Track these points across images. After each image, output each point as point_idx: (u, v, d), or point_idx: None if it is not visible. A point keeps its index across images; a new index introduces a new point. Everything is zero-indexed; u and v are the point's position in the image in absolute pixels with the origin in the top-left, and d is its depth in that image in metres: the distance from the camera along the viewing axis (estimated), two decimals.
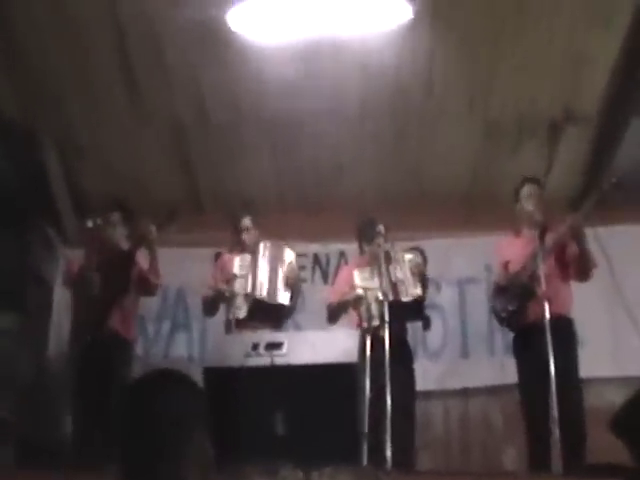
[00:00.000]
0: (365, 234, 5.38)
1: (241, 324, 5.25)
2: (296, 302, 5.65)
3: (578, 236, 4.77)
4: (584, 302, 5.27)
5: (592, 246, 4.90)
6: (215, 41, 5.75)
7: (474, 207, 6.75)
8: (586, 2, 5.56)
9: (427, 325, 5.45)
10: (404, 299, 5.06)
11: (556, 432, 4.21)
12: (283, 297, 5.40)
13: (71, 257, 5.53)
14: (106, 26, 5.73)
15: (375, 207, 6.11)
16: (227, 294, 5.35)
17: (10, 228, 6.48)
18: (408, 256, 5.28)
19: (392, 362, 4.44)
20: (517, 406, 5.14)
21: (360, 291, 5.12)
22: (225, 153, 6.69)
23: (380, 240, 5.13)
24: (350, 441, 4.08)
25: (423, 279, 5.27)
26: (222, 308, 5.52)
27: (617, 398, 5.04)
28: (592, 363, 5.39)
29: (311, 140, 6.63)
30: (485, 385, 6.46)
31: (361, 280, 5.16)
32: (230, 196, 6.48)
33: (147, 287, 5.36)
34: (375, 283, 5.06)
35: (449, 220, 6.60)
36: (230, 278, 5.37)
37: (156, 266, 5.31)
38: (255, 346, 4.23)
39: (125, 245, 5.33)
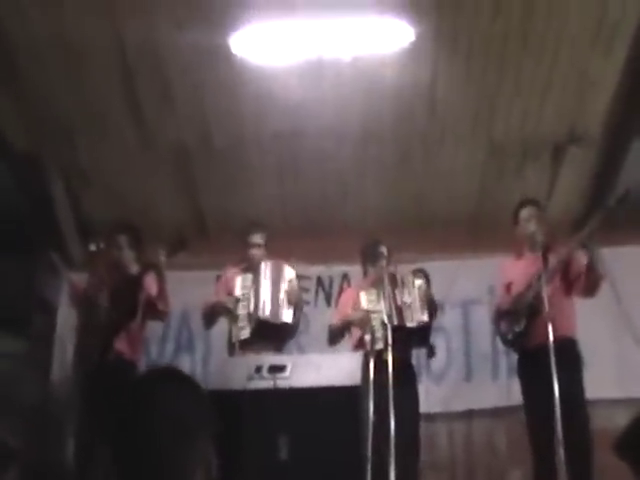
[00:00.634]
0: (369, 256, 5.37)
1: (245, 345, 5.25)
2: (299, 319, 5.64)
3: (590, 248, 4.74)
4: (589, 323, 5.27)
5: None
6: (219, 65, 5.80)
7: (478, 229, 6.76)
8: (589, 26, 5.59)
9: (431, 353, 5.43)
10: (409, 324, 5.05)
11: (561, 454, 4.18)
12: (286, 315, 5.40)
13: (75, 280, 5.51)
14: (110, 52, 5.78)
15: (379, 229, 6.12)
16: (228, 306, 5.35)
17: (16, 253, 6.50)
18: (418, 282, 5.27)
19: (396, 385, 4.42)
20: (522, 428, 5.11)
21: (363, 303, 5.12)
22: (229, 177, 6.72)
23: (383, 262, 5.13)
24: (354, 464, 4.06)
25: (431, 306, 5.25)
26: (225, 330, 5.50)
27: (624, 420, 5.05)
28: (598, 384, 5.36)
29: (315, 163, 6.65)
30: (489, 407, 6.44)
31: (367, 302, 5.16)
32: (234, 219, 6.48)
33: (155, 313, 5.33)
34: (381, 306, 5.05)
35: (453, 242, 6.60)
36: (232, 300, 5.37)
37: (165, 293, 5.26)
38: (258, 369, 4.22)
39: (133, 268, 5.32)
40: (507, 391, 6.10)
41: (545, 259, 4.85)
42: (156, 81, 6.00)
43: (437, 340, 5.98)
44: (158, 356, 6.72)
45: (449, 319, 6.52)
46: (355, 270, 5.92)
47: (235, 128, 6.34)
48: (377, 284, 5.19)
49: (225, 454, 4.08)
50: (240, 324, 5.33)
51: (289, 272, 5.58)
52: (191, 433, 1.77)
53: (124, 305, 5.13)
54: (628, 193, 4.62)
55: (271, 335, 5.30)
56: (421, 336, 5.20)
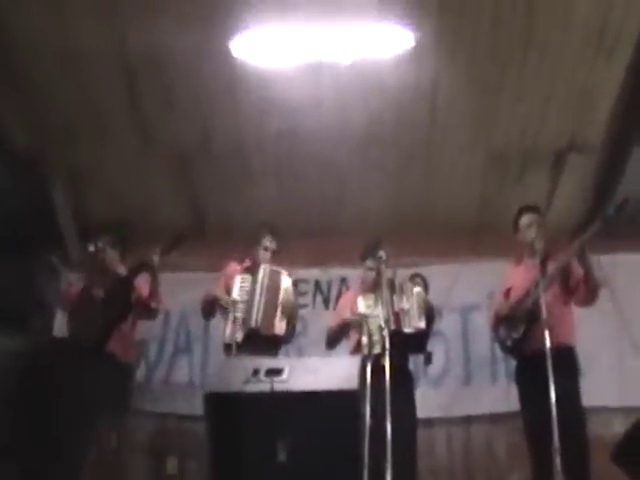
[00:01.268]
0: (367, 259, 5.38)
1: (239, 349, 5.25)
2: (292, 330, 5.63)
3: (584, 260, 4.76)
4: (587, 330, 5.26)
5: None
6: (219, 68, 5.81)
7: (478, 234, 6.77)
8: (590, 34, 5.60)
9: (428, 360, 5.41)
10: (406, 330, 5.05)
11: (557, 461, 4.17)
12: (279, 328, 5.40)
13: (73, 281, 5.52)
14: (112, 54, 5.79)
15: (378, 234, 6.11)
16: (226, 305, 5.35)
17: (15, 254, 6.51)
18: (416, 289, 5.27)
19: (393, 389, 4.41)
20: (520, 434, 5.11)
21: (360, 307, 5.13)
22: (228, 179, 6.74)
23: (382, 266, 5.13)
24: (351, 468, 4.05)
25: (429, 313, 5.25)
26: (222, 332, 5.51)
27: (622, 428, 5.05)
28: (596, 392, 5.36)
29: (315, 167, 6.67)
30: (488, 413, 6.44)
31: (365, 307, 5.17)
32: (234, 221, 6.51)
33: (147, 311, 5.36)
34: (378, 311, 5.06)
35: (453, 247, 6.62)
36: (230, 302, 5.37)
37: (157, 291, 5.30)
38: (255, 372, 4.21)
39: (120, 268, 5.34)
40: (506, 396, 6.08)
41: (544, 266, 4.86)
42: (157, 83, 6.01)
43: (436, 345, 6.00)
44: (157, 358, 6.73)
45: (448, 324, 6.53)
46: (353, 274, 5.93)
47: (235, 131, 6.36)
48: (375, 289, 5.19)
49: (223, 456, 4.11)
50: (234, 327, 5.33)
51: (286, 281, 5.57)
52: (91, 409, 1.74)
53: (115, 306, 5.14)
54: (627, 201, 4.62)
55: (261, 344, 5.28)
56: (418, 342, 5.19)
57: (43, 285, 6.68)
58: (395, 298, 5.16)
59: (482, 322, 6.39)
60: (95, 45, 5.69)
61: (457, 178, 6.75)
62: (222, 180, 6.75)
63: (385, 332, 4.68)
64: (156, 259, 5.16)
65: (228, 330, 5.31)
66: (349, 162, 6.64)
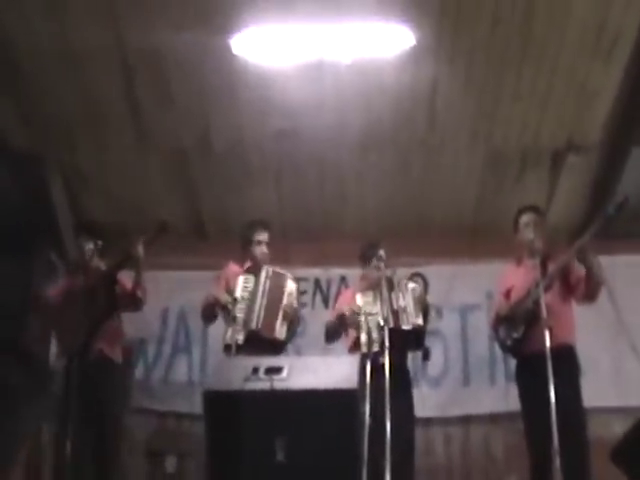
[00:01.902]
0: (367, 258, 5.38)
1: (239, 349, 5.24)
2: (293, 335, 5.62)
3: (585, 256, 4.76)
4: (586, 331, 5.26)
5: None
6: (219, 67, 5.81)
7: (477, 235, 6.78)
8: (588, 34, 5.61)
9: (426, 356, 5.43)
10: (404, 327, 5.06)
11: (557, 462, 4.17)
12: (279, 332, 5.38)
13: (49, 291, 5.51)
14: (111, 53, 5.79)
15: (378, 234, 6.12)
16: (228, 306, 5.34)
17: (13, 252, 6.50)
18: (411, 285, 5.29)
19: (391, 388, 4.42)
20: (519, 434, 5.11)
21: (359, 303, 5.13)
22: (228, 179, 6.74)
23: (381, 265, 5.13)
24: (350, 467, 4.05)
25: (425, 309, 5.26)
26: (222, 331, 5.50)
27: (621, 428, 5.05)
28: (595, 393, 5.36)
29: (314, 168, 6.68)
30: (486, 413, 6.44)
31: (364, 304, 5.17)
32: (233, 221, 6.50)
33: (133, 302, 5.26)
34: (377, 308, 5.06)
35: (451, 248, 6.62)
36: (231, 301, 5.36)
37: (141, 282, 5.22)
38: (255, 370, 4.21)
39: (100, 264, 5.32)
40: (504, 397, 6.10)
41: (544, 266, 4.86)
42: (156, 82, 6.01)
43: (434, 345, 6.01)
44: (155, 357, 6.73)
45: (447, 324, 6.54)
46: (353, 273, 5.93)
47: (234, 130, 6.35)
48: (374, 287, 5.20)
49: (222, 455, 4.11)
50: (235, 327, 5.32)
51: (290, 285, 5.55)
52: (16, 404, 1.71)
53: (99, 302, 5.11)
54: (627, 200, 4.63)
55: (261, 346, 5.26)
56: (416, 339, 5.20)
57: (42, 284, 6.67)
58: (393, 296, 5.16)
59: (481, 322, 6.41)
60: (94, 43, 5.69)
61: (456, 178, 6.75)
62: (221, 179, 6.75)
63: (384, 330, 4.68)
64: (140, 250, 5.10)
65: (229, 330, 5.30)
66: (348, 162, 6.64)
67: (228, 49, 5.61)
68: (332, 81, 5.90)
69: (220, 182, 6.78)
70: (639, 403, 5.92)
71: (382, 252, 5.22)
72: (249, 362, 4.38)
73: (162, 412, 6.61)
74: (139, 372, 6.58)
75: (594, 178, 6.68)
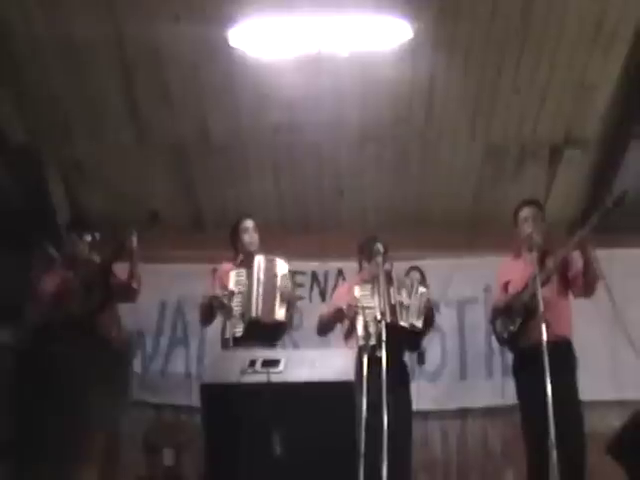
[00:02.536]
0: (365, 252, 5.37)
1: (238, 342, 5.25)
2: (292, 315, 5.64)
3: (585, 249, 4.76)
4: (583, 325, 5.25)
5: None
6: (217, 60, 5.81)
7: (474, 229, 6.78)
8: (587, 28, 5.61)
9: (421, 360, 5.42)
10: (402, 323, 5.05)
11: (554, 455, 4.18)
12: (279, 314, 5.38)
13: (43, 281, 5.51)
14: (109, 47, 5.79)
15: (375, 228, 6.12)
16: (224, 300, 5.34)
17: (12, 245, 6.51)
18: (422, 289, 5.27)
19: (389, 382, 4.41)
20: (516, 428, 5.12)
21: (356, 295, 5.13)
22: (226, 172, 6.73)
23: (379, 259, 5.12)
24: (347, 460, 4.05)
25: (428, 315, 5.26)
26: (220, 323, 5.51)
27: (618, 421, 5.06)
28: (592, 386, 5.38)
29: (312, 161, 6.67)
30: (483, 406, 6.45)
31: (361, 297, 5.17)
32: (231, 215, 6.48)
33: (127, 293, 5.30)
34: (374, 302, 5.06)
35: (449, 241, 6.62)
36: (227, 294, 5.37)
37: (136, 272, 5.25)
38: (252, 363, 4.22)
39: (95, 257, 5.33)
40: (501, 390, 6.12)
41: (542, 260, 4.87)
42: (154, 76, 6.00)
43: (432, 339, 6.01)
44: (153, 350, 6.73)
45: (444, 318, 6.53)
46: (350, 266, 5.91)
47: (232, 123, 6.35)
48: (372, 280, 5.19)
49: (219, 447, 4.11)
50: (234, 321, 5.33)
51: (282, 267, 5.55)
52: (90, 393, 1.71)
53: (94, 293, 5.12)
54: (625, 194, 4.63)
55: (264, 333, 5.28)
56: (412, 340, 5.21)
57: (39, 278, 6.67)
58: (392, 290, 5.16)
59: (478, 316, 6.42)
60: (92, 38, 5.69)
61: (454, 172, 6.75)
62: (219, 172, 6.74)
63: (381, 324, 4.68)
64: (134, 241, 5.11)
65: (228, 325, 5.30)
66: (346, 155, 6.64)
67: (225, 42, 5.61)
68: (330, 74, 5.89)
69: (218, 175, 6.78)
70: (635, 396, 5.92)
71: (380, 245, 5.21)
72: (246, 355, 4.39)
73: (159, 405, 6.61)
74: (137, 364, 6.58)
75: (592, 172, 6.68)
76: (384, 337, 4.57)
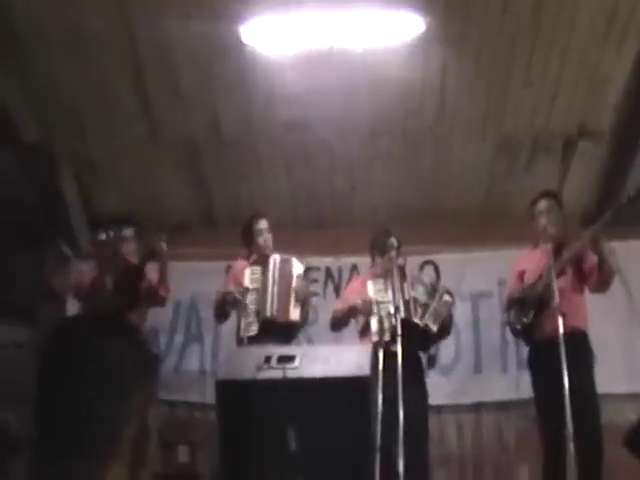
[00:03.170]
0: (378, 246, 5.36)
1: (252, 341, 5.26)
2: (307, 316, 5.66)
3: (598, 246, 4.74)
4: (598, 317, 5.25)
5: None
6: (228, 57, 5.79)
7: (487, 222, 6.75)
8: (599, 20, 5.57)
9: (431, 364, 5.41)
10: (415, 320, 5.04)
11: (571, 448, 4.16)
12: (294, 314, 5.40)
13: (83, 270, 5.54)
14: (120, 43, 5.78)
15: (388, 222, 6.11)
16: (238, 296, 5.34)
17: (25, 243, 6.53)
18: (448, 298, 5.26)
19: (404, 377, 4.41)
20: (530, 421, 5.11)
21: (370, 290, 5.13)
22: (238, 168, 6.72)
23: (392, 253, 5.11)
24: (362, 455, 4.05)
25: (445, 324, 5.24)
26: (234, 320, 5.51)
27: (634, 414, 5.04)
28: (608, 379, 5.35)
29: (324, 156, 6.66)
30: (498, 400, 6.43)
31: (375, 292, 5.16)
32: (244, 212, 6.49)
33: (155, 299, 5.37)
34: (388, 297, 5.05)
35: (462, 235, 6.59)
36: (242, 291, 5.38)
37: (166, 279, 5.31)
38: (267, 359, 4.22)
39: (135, 259, 5.36)
40: (516, 384, 6.09)
41: (558, 252, 4.85)
42: (165, 72, 5.99)
43: None
44: (167, 347, 6.74)
45: (458, 312, 6.47)
46: (364, 261, 5.91)
47: (244, 120, 6.34)
48: (385, 275, 5.18)
49: (234, 444, 4.11)
50: (249, 319, 5.34)
51: (297, 267, 5.57)
52: (123, 386, 1.69)
53: (126, 294, 5.15)
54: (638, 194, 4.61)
55: (278, 333, 5.29)
56: (424, 341, 5.19)
57: (53, 275, 6.69)
58: (405, 286, 5.14)
59: (493, 310, 6.40)
60: (104, 36, 5.69)
61: (466, 166, 6.72)
62: (231, 169, 6.73)
63: (396, 319, 4.67)
64: (162, 246, 5.15)
65: (242, 323, 5.31)
66: (358, 151, 6.62)
67: (236, 39, 5.60)
68: (341, 70, 5.87)
69: (230, 172, 6.78)
70: None
71: (393, 240, 5.20)
72: (261, 351, 4.39)
73: (174, 402, 6.62)
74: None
75: (606, 164, 6.64)
76: (399, 332, 4.57)
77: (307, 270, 5.81)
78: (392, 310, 4.83)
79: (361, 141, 6.55)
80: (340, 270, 6.81)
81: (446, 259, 6.60)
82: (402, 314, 4.85)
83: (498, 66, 5.90)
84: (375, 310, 5.05)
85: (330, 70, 5.88)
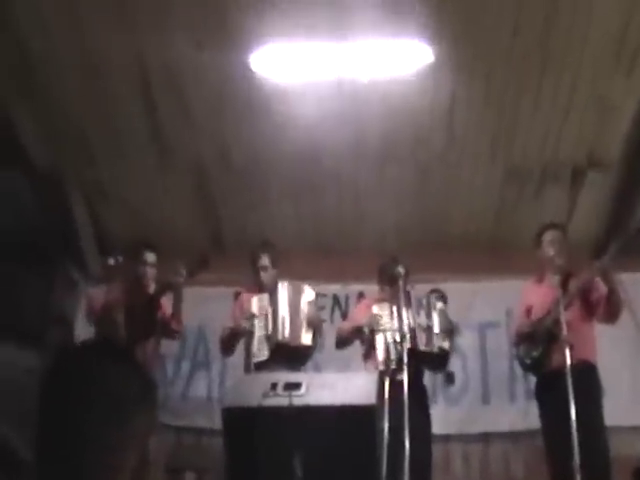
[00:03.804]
0: (386, 274, 5.35)
1: (261, 367, 5.24)
2: (318, 341, 5.63)
3: (608, 277, 4.72)
4: (607, 349, 5.21)
5: None
6: (238, 85, 5.85)
7: (495, 251, 6.75)
8: (609, 48, 5.58)
9: (450, 380, 5.38)
10: (421, 348, 5.02)
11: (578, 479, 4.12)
12: (306, 338, 5.38)
13: (93, 294, 5.51)
14: (130, 71, 5.84)
15: (396, 250, 6.10)
16: (248, 327, 5.34)
17: (35, 268, 6.55)
18: (439, 305, 5.23)
19: (409, 406, 4.39)
20: (539, 452, 5.06)
21: (375, 312, 5.11)
22: (246, 195, 6.76)
23: (400, 282, 5.10)
24: None
25: (451, 331, 5.23)
26: (241, 349, 5.51)
27: None
28: (617, 411, 5.30)
29: (332, 183, 6.69)
30: (506, 430, 6.39)
31: (380, 316, 5.15)
32: (252, 238, 6.52)
33: (167, 332, 5.34)
34: (393, 324, 5.03)
35: (470, 264, 6.59)
36: (248, 317, 5.37)
37: (180, 313, 5.27)
38: (273, 386, 4.20)
39: (152, 287, 5.32)
40: (524, 414, 6.05)
41: (565, 283, 4.83)
42: (175, 100, 6.05)
43: (454, 362, 5.95)
44: (174, 374, 6.74)
45: (466, 341, 6.48)
46: (371, 289, 5.90)
47: (253, 146, 6.38)
48: (391, 300, 5.16)
49: (240, 471, 4.09)
50: (258, 345, 5.32)
51: (309, 294, 5.55)
52: (125, 410, 1.70)
53: (141, 323, 5.12)
54: None
55: (289, 357, 5.28)
56: (439, 362, 5.16)
57: (62, 299, 6.71)
58: (410, 313, 5.12)
59: (500, 340, 6.38)
60: (114, 62, 5.75)
61: (474, 194, 6.74)
62: (240, 195, 6.77)
63: (402, 347, 4.66)
64: (181, 280, 5.11)
65: (253, 348, 5.30)
66: (366, 179, 6.65)
67: (247, 66, 5.65)
68: (350, 98, 5.91)
69: (239, 198, 6.81)
70: None
71: (401, 268, 5.19)
72: (268, 378, 4.38)
73: (181, 428, 6.61)
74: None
75: (615, 194, 6.64)
76: (405, 360, 4.56)
77: (316, 297, 5.80)
78: (398, 338, 4.82)
79: (370, 169, 6.58)
80: (347, 297, 6.82)
81: (454, 288, 6.55)
82: (408, 344, 4.84)
83: (507, 94, 5.93)
84: (381, 336, 5.03)
85: (339, 99, 5.92)
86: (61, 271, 6.67)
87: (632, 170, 6.41)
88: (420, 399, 5.08)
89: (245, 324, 5.39)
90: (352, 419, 4.03)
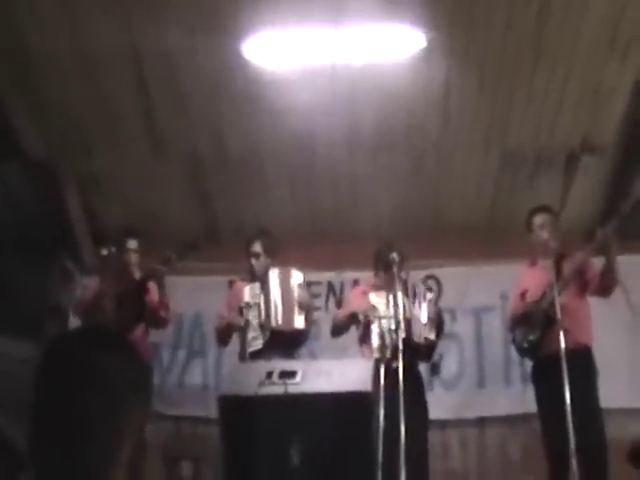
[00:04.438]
0: (381, 261, 5.35)
1: (256, 356, 5.26)
2: (311, 323, 5.65)
3: (607, 247, 4.71)
4: (602, 332, 5.24)
5: None
6: (232, 73, 5.83)
7: (490, 236, 6.74)
8: (603, 34, 5.57)
9: (435, 371, 5.39)
10: (416, 339, 5.03)
11: (574, 463, 4.14)
12: (298, 322, 5.39)
13: (87, 285, 5.53)
14: (125, 60, 5.81)
15: (391, 237, 6.11)
16: (242, 324, 5.36)
17: (30, 259, 6.54)
18: (430, 295, 5.25)
19: (404, 393, 4.40)
20: (535, 436, 5.09)
21: (372, 301, 5.12)
22: (241, 184, 6.74)
23: (395, 268, 5.11)
24: (365, 471, 4.05)
25: (440, 323, 5.24)
26: (236, 337, 5.52)
27: (638, 429, 5.02)
28: (612, 394, 5.33)
29: (327, 171, 6.68)
30: (502, 415, 6.41)
31: (376, 305, 5.17)
32: (247, 227, 6.52)
33: (156, 320, 5.35)
34: (389, 311, 5.04)
35: (465, 249, 6.59)
36: (242, 307, 5.39)
37: (166, 300, 5.30)
38: (269, 374, 4.22)
39: (138, 272, 5.35)
40: (520, 398, 6.07)
41: (559, 266, 4.84)
42: (170, 89, 6.03)
43: (450, 347, 5.99)
44: (170, 362, 6.75)
45: (461, 326, 6.51)
46: (366, 276, 5.91)
47: (248, 135, 6.36)
48: (387, 288, 5.17)
49: (237, 459, 4.11)
50: (253, 334, 5.34)
51: (297, 277, 5.56)
52: (120, 400, 1.69)
53: (129, 309, 5.14)
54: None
55: (284, 343, 5.30)
56: (425, 353, 5.19)
57: (57, 291, 6.71)
58: (406, 302, 5.13)
59: (496, 324, 6.40)
60: (108, 52, 5.72)
61: (469, 180, 6.74)
62: (235, 184, 6.75)
63: (397, 335, 4.67)
64: (164, 269, 5.13)
65: (247, 338, 5.32)
66: (361, 166, 6.64)
67: (240, 54, 5.63)
68: (344, 85, 5.89)
69: (234, 187, 6.80)
70: None
71: (396, 254, 5.20)
72: (263, 366, 4.40)
73: (177, 417, 6.63)
74: (154, 377, 6.60)
75: (609, 179, 6.63)
76: (401, 347, 4.57)
77: (309, 284, 5.80)
78: (393, 326, 4.83)
79: (365, 155, 6.57)
80: (342, 285, 6.82)
81: (449, 273, 6.61)
82: (403, 333, 4.85)
83: (501, 80, 5.91)
84: (376, 324, 5.05)
85: (334, 85, 5.90)
86: (57, 262, 6.66)
87: (626, 154, 6.41)
88: (416, 386, 5.10)
89: (239, 321, 5.40)
90: (348, 406, 4.06)
